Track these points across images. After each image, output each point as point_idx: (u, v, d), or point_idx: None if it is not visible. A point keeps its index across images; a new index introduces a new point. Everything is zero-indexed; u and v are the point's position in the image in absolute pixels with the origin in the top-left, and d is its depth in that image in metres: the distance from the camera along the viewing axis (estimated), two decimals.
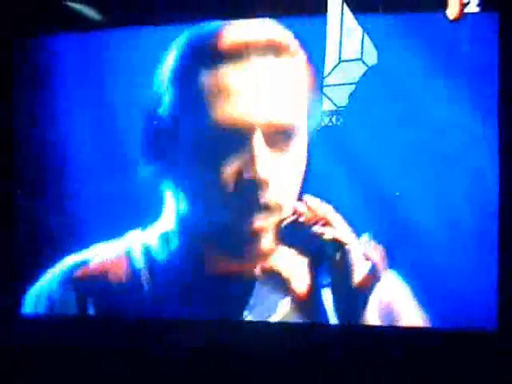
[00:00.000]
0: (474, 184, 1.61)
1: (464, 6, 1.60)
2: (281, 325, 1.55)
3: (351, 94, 1.64)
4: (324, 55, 1.63)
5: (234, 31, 1.43)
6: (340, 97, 1.65)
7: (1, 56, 1.77)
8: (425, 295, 1.64)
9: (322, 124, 1.64)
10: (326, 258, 1.27)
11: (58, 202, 1.75)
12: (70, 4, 1.76)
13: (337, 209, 1.38)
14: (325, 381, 1.68)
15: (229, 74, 1.38)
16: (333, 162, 1.60)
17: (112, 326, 1.61)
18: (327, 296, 1.23)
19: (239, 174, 1.38)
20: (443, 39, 1.62)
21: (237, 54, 1.38)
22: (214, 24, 1.48)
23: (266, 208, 1.37)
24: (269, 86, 1.41)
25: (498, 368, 1.60)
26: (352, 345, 1.65)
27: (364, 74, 1.64)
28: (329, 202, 1.39)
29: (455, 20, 1.60)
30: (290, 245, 1.36)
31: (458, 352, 1.64)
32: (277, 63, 1.41)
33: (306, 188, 1.44)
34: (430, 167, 1.62)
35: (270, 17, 1.62)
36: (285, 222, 1.35)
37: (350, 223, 1.40)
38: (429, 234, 1.63)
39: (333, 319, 1.22)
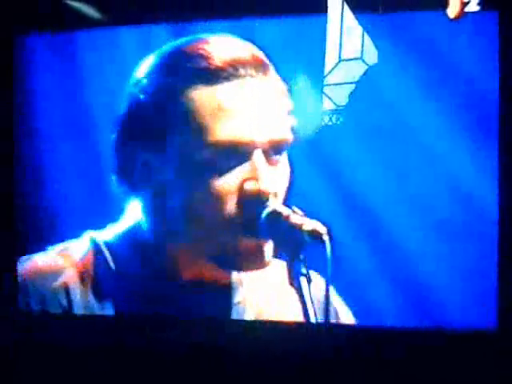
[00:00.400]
0: (472, 188, 1.62)
1: (464, 4, 1.60)
2: (271, 324, 1.57)
3: (351, 93, 1.65)
4: (324, 54, 1.65)
5: (218, 48, 1.40)
6: (340, 96, 1.66)
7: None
8: (424, 295, 1.64)
9: (322, 123, 1.66)
10: (304, 249, 1.28)
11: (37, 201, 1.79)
12: (67, 2, 1.79)
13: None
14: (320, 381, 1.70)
15: (219, 94, 1.37)
16: (316, 173, 1.64)
17: (95, 324, 1.62)
18: (305, 284, 1.25)
19: (239, 190, 1.38)
20: (443, 38, 1.61)
21: (224, 71, 1.37)
22: (194, 38, 1.46)
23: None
24: (260, 103, 1.40)
25: (498, 368, 1.60)
26: (351, 345, 1.66)
27: (364, 73, 1.65)
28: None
29: (455, 19, 1.60)
30: (268, 236, 1.36)
31: (458, 352, 1.63)
32: (262, 79, 1.40)
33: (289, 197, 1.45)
34: (424, 171, 1.64)
35: (268, 16, 1.65)
36: (263, 214, 1.35)
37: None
38: (428, 233, 1.64)
39: (310, 307, 1.23)
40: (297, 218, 1.32)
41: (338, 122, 1.66)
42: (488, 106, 1.60)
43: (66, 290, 1.47)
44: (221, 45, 1.42)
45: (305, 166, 1.60)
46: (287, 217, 1.32)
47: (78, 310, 1.50)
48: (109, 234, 1.49)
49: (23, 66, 1.81)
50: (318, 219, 1.29)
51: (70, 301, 1.48)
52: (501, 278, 1.59)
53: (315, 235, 1.26)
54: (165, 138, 1.40)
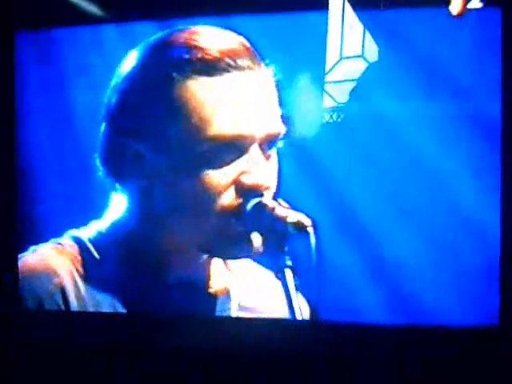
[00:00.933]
0: (470, 187, 1.61)
1: (467, 1, 1.58)
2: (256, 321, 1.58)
3: (352, 90, 1.65)
4: (325, 52, 1.64)
5: (211, 38, 1.39)
6: (341, 93, 1.65)
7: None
8: (425, 292, 1.63)
9: (323, 121, 1.66)
10: (288, 240, 1.29)
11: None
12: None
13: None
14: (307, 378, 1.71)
15: (219, 85, 1.36)
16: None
17: (92, 322, 1.62)
18: (289, 276, 1.26)
19: (236, 183, 1.38)
20: (445, 34, 1.60)
21: (222, 62, 1.36)
22: (181, 29, 1.44)
23: None
24: (258, 96, 1.40)
25: (499, 365, 1.59)
26: (350, 343, 1.67)
27: (365, 71, 1.64)
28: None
29: (458, 16, 1.58)
30: (254, 228, 1.36)
31: (459, 349, 1.62)
32: (258, 71, 1.40)
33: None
34: (420, 174, 1.64)
35: (269, 13, 1.64)
36: (249, 205, 1.35)
37: None
38: (429, 232, 1.64)
39: (295, 299, 1.25)
40: (282, 210, 1.32)
41: (339, 120, 1.66)
42: (490, 102, 1.59)
43: (62, 290, 1.44)
44: (212, 35, 1.41)
45: (295, 161, 1.60)
46: (272, 209, 1.33)
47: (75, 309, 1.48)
48: (91, 230, 1.48)
49: (20, 63, 1.82)
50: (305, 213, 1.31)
51: (66, 302, 1.45)
52: (502, 273, 1.58)
53: (300, 227, 1.28)
54: (160, 129, 1.39)
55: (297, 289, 1.25)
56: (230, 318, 1.53)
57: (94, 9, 1.79)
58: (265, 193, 1.37)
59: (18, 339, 1.83)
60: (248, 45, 1.41)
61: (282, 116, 1.43)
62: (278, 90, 1.44)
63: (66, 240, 1.47)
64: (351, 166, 1.65)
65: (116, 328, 1.67)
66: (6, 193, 1.82)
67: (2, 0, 1.80)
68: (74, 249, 1.46)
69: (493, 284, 1.59)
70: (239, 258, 1.46)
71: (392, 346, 1.66)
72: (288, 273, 1.26)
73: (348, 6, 1.64)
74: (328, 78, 1.65)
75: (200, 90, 1.36)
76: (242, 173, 1.37)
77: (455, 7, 1.58)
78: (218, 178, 1.37)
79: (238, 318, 1.55)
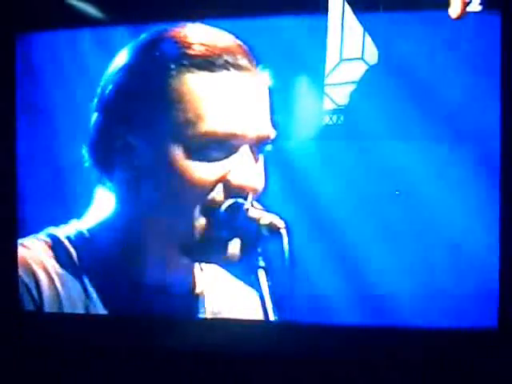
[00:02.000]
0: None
1: (466, 4, 1.59)
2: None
3: (352, 92, 1.66)
4: (325, 54, 1.65)
5: (210, 35, 1.40)
6: (341, 96, 1.66)
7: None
8: (423, 292, 1.64)
9: (323, 123, 1.67)
10: (261, 241, 1.31)
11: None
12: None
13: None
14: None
15: (217, 82, 1.37)
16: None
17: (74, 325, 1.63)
18: (263, 277, 1.28)
19: (221, 182, 1.38)
20: (444, 37, 1.60)
21: (221, 59, 1.36)
22: (179, 26, 1.44)
23: None
24: (254, 97, 1.40)
25: (498, 367, 1.59)
26: (322, 344, 1.67)
27: (365, 73, 1.65)
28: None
29: (457, 18, 1.59)
30: (228, 228, 1.36)
31: (457, 351, 1.63)
32: (254, 72, 1.41)
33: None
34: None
35: (268, 16, 1.65)
36: (223, 206, 1.36)
37: None
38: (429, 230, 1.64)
39: (268, 300, 1.26)
40: (255, 211, 1.34)
41: (339, 122, 1.66)
42: (488, 106, 1.59)
43: (36, 282, 1.43)
44: (211, 33, 1.42)
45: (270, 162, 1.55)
46: (246, 210, 1.34)
47: (51, 307, 1.46)
48: (70, 228, 1.47)
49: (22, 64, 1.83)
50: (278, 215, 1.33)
51: (40, 295, 1.44)
52: (502, 275, 1.58)
53: (273, 229, 1.30)
54: (153, 120, 1.38)
55: (269, 290, 1.26)
56: (204, 319, 1.54)
57: (95, 11, 1.80)
58: (250, 195, 1.37)
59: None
60: (245, 47, 1.42)
61: (272, 120, 1.43)
62: (271, 94, 1.45)
63: (42, 236, 1.47)
64: (328, 170, 1.66)
65: (107, 329, 1.67)
66: (7, 191, 1.84)
67: (3, 1, 1.81)
68: (47, 244, 1.45)
69: (492, 286, 1.59)
70: (216, 263, 1.48)
71: (387, 349, 1.66)
72: (261, 274, 1.28)
73: (348, 8, 1.65)
74: (328, 80, 1.66)
75: (197, 85, 1.36)
76: (229, 172, 1.37)
77: (454, 10, 1.59)
78: (205, 174, 1.36)
79: (211, 320, 1.56)
